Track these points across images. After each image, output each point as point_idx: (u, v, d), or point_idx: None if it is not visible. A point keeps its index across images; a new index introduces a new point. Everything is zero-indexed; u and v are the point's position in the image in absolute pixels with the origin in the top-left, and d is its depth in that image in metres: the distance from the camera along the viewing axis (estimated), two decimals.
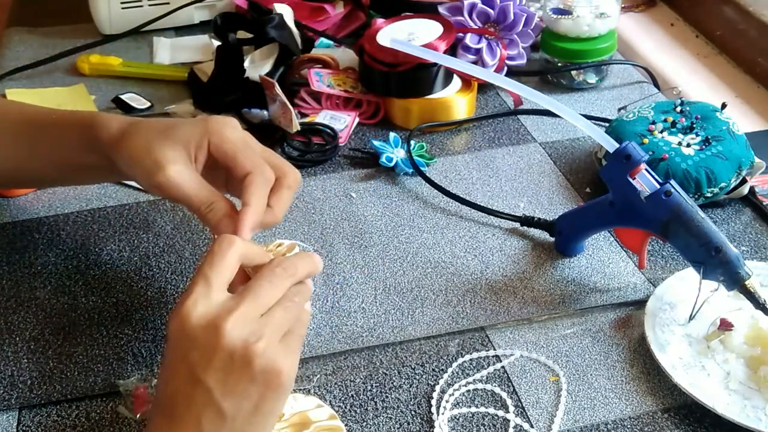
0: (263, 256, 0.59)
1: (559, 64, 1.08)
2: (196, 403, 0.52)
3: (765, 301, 0.68)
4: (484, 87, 1.07)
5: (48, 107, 0.78)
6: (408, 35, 0.99)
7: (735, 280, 0.68)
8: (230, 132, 0.67)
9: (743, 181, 0.87)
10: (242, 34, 1.04)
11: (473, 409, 0.66)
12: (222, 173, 0.68)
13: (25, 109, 0.78)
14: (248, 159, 0.65)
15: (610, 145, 0.72)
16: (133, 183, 0.91)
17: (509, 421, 0.65)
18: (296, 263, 0.58)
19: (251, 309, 0.53)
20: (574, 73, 1.08)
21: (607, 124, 0.95)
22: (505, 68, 1.06)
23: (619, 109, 0.99)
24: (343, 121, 0.99)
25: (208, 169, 0.67)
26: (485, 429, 0.65)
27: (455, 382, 0.68)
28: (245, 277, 0.59)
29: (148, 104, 1.05)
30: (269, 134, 0.97)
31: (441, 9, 1.07)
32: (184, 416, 0.52)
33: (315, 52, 1.08)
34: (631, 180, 0.71)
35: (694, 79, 1.12)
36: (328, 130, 0.97)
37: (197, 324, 0.52)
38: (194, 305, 0.53)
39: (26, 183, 0.86)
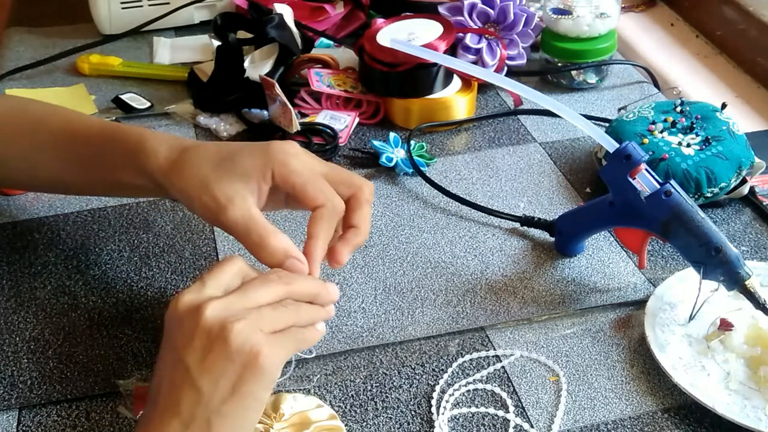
0: None
1: (559, 64, 1.08)
2: (176, 383, 0.53)
3: (765, 301, 0.68)
4: (484, 87, 1.07)
5: (96, 118, 0.74)
6: (408, 35, 0.99)
7: (735, 280, 0.68)
8: (296, 162, 0.63)
9: (743, 181, 0.86)
10: (242, 34, 1.04)
11: (473, 409, 0.66)
12: (282, 194, 0.65)
13: (69, 117, 0.74)
14: (319, 191, 0.62)
15: (610, 145, 0.72)
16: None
17: (509, 421, 0.65)
18: (292, 276, 0.58)
19: (236, 300, 0.54)
20: (574, 73, 1.08)
21: (607, 124, 0.95)
22: (505, 68, 1.06)
23: (619, 109, 0.99)
24: (343, 121, 0.99)
25: (269, 193, 0.64)
26: (485, 429, 0.65)
27: (455, 382, 0.68)
28: None
29: (148, 104, 1.05)
30: (269, 134, 0.97)
31: (441, 9, 1.07)
32: (167, 397, 0.53)
33: (315, 52, 1.08)
34: (631, 180, 0.71)
35: (694, 79, 1.12)
36: (328, 130, 0.97)
37: (182, 308, 0.54)
38: (184, 295, 0.55)
39: (64, 192, 0.84)
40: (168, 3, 1.20)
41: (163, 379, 0.54)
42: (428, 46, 0.97)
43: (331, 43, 1.14)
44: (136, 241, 0.84)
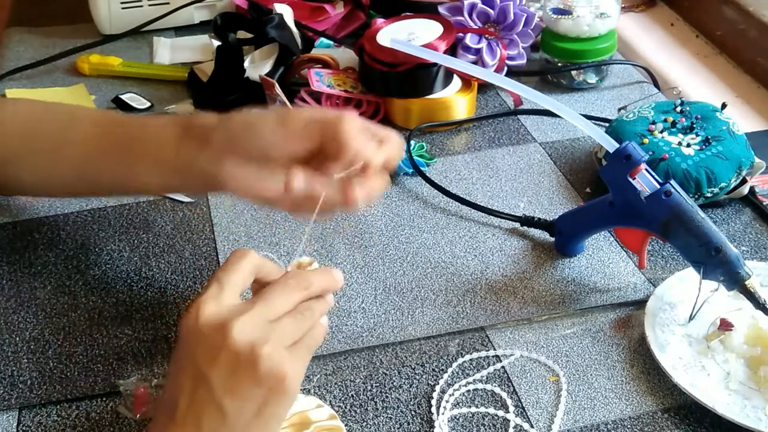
0: (278, 272, 0.59)
1: (559, 64, 1.08)
2: (198, 400, 0.52)
3: (765, 301, 0.68)
4: (484, 87, 1.07)
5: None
6: (408, 35, 0.99)
7: (735, 280, 0.68)
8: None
9: (743, 181, 0.86)
10: (242, 34, 1.04)
11: (473, 409, 0.66)
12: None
13: (101, 113, 0.76)
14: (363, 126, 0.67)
15: (610, 145, 0.72)
16: None
17: (509, 421, 0.65)
18: (310, 277, 0.58)
19: (261, 314, 0.54)
20: (574, 73, 1.08)
21: (607, 124, 0.95)
22: (505, 68, 1.06)
23: (619, 109, 0.99)
24: None
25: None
26: (485, 429, 0.65)
27: (455, 382, 0.68)
28: None
29: (148, 104, 1.05)
30: None
31: (441, 9, 1.07)
32: (186, 413, 0.52)
33: (315, 52, 1.08)
34: (631, 180, 0.71)
35: (694, 79, 1.12)
36: None
37: (206, 323, 0.53)
38: (204, 305, 0.53)
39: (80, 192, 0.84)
40: (168, 3, 1.20)
41: (182, 391, 0.53)
42: (428, 46, 0.97)
43: (331, 43, 1.14)
44: (136, 241, 0.84)
